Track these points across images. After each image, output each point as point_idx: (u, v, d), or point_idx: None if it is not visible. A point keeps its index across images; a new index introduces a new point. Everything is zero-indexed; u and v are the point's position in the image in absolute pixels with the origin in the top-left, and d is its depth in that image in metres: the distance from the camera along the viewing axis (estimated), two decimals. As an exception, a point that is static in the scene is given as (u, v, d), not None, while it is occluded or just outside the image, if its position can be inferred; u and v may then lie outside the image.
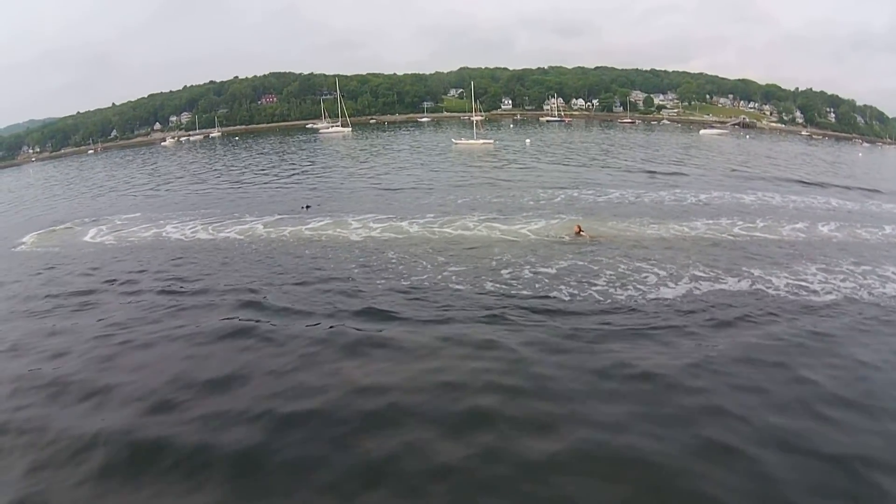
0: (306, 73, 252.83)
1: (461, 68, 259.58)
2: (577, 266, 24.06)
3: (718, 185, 51.44)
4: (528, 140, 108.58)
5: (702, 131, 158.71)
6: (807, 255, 27.04)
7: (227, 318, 18.80)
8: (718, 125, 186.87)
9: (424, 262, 25.09)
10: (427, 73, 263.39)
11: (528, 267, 23.90)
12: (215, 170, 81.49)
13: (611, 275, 22.67)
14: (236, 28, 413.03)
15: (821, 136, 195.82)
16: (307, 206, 42.20)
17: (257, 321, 18.32)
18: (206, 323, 18.50)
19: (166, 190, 61.46)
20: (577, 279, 22.17)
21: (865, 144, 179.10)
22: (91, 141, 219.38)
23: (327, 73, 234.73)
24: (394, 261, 25.67)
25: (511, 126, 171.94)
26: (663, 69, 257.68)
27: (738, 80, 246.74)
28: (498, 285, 21.53)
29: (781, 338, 16.54)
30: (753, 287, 21.52)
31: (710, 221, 34.68)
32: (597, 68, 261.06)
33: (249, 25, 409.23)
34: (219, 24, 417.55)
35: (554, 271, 23.31)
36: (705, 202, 42.24)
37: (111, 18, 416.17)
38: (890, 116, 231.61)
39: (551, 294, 20.42)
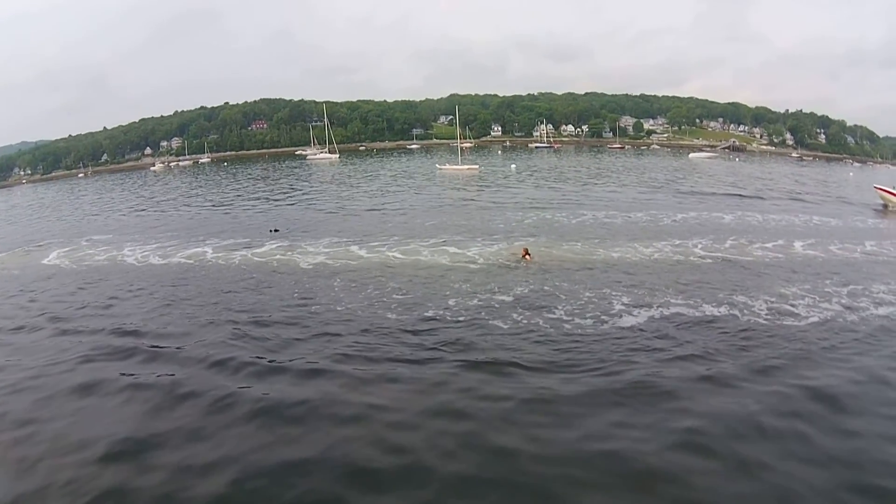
0: (297, 99, 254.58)
1: (451, 95, 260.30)
2: (516, 293, 22.98)
3: (696, 206, 51.28)
4: (513, 165, 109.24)
5: (691, 155, 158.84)
6: (783, 274, 26.51)
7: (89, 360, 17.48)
8: (708, 149, 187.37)
9: (367, 290, 24.21)
10: (417, 100, 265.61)
11: (456, 298, 22.43)
12: (197, 195, 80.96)
13: (550, 303, 21.51)
14: (230, 52, 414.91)
15: (811, 158, 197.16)
16: (275, 230, 41.83)
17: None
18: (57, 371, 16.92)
19: (144, 213, 61.31)
20: (512, 307, 21.14)
21: (856, 164, 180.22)
22: (82, 164, 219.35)
23: (318, 100, 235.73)
24: (336, 288, 24.76)
25: (499, 152, 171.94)
26: (653, 94, 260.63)
27: (728, 103, 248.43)
28: (432, 318, 20.14)
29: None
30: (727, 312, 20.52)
31: (678, 242, 33.98)
32: (587, 94, 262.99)
33: (244, 49, 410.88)
34: (213, 48, 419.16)
35: (476, 302, 21.97)
36: (681, 222, 42.01)
37: (106, 42, 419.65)
38: (881, 136, 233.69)
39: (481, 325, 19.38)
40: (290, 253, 33.07)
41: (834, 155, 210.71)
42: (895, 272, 27.49)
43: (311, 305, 22.16)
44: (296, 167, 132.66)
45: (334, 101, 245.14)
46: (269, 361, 16.50)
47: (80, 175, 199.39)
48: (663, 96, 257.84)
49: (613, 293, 22.67)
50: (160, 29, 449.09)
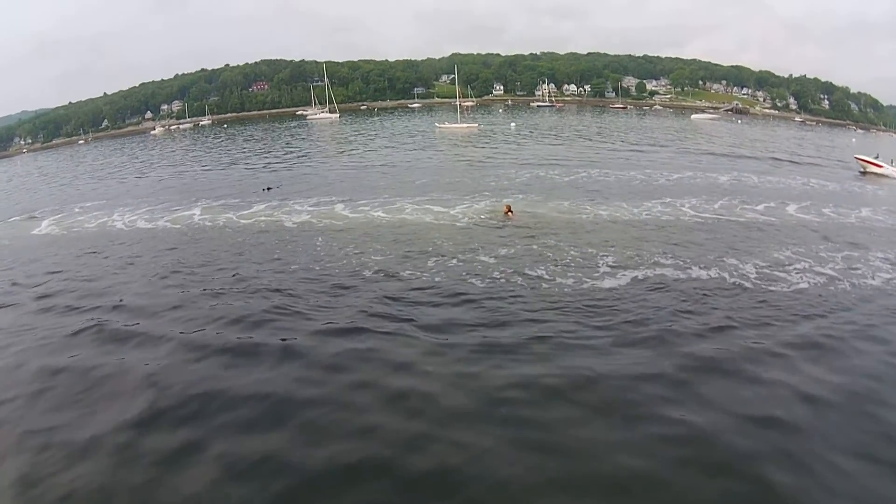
0: (298, 59, 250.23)
1: (453, 54, 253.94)
2: (499, 253, 22.67)
3: (693, 166, 51.05)
4: (513, 124, 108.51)
5: (693, 116, 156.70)
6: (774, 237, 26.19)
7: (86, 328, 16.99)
8: (711, 110, 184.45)
9: (348, 249, 24.02)
10: (419, 59, 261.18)
11: (436, 258, 22.11)
12: (194, 156, 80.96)
13: (532, 263, 21.14)
14: (229, 17, 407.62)
15: (814, 123, 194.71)
16: (268, 188, 42.54)
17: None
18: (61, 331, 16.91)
19: (139, 178, 61.21)
20: (493, 267, 20.77)
21: (859, 131, 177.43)
22: (82, 131, 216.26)
23: (319, 60, 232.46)
24: (317, 248, 24.66)
25: (500, 111, 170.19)
26: (656, 55, 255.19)
27: (732, 66, 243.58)
28: (408, 279, 19.77)
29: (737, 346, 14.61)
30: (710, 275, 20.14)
31: (669, 201, 33.76)
32: (589, 54, 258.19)
33: (242, 12, 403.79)
34: (211, 13, 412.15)
35: (455, 262, 21.61)
36: (675, 182, 41.71)
37: (105, 7, 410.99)
38: (885, 104, 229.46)
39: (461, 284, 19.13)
40: (276, 213, 33.03)
41: (837, 121, 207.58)
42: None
43: (291, 265, 21.98)
44: (295, 127, 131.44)
45: (336, 61, 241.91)
46: (238, 337, 15.49)
47: (81, 142, 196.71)
48: (666, 57, 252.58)
49: (600, 253, 22.38)
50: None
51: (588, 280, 19.15)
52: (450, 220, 29.20)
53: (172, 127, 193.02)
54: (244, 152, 79.91)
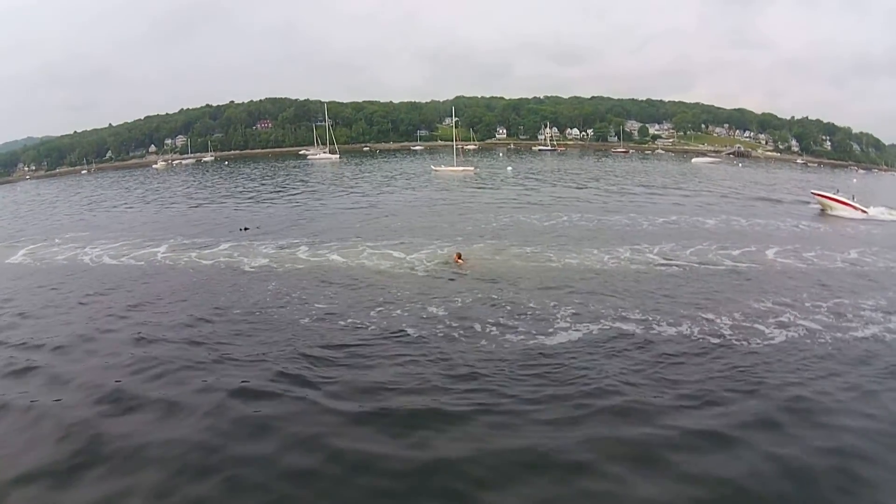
0: (302, 98, 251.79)
1: (457, 97, 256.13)
2: (446, 304, 21.46)
3: (681, 210, 50.14)
4: (510, 168, 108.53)
5: (694, 160, 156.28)
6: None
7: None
8: (713, 154, 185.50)
9: (294, 295, 23.43)
10: (423, 101, 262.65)
11: (381, 308, 21.08)
12: (187, 192, 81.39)
13: (479, 316, 19.86)
14: (235, 46, 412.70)
15: (816, 164, 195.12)
16: (245, 228, 42.21)
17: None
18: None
19: (128, 211, 62.01)
20: (434, 319, 19.67)
21: (861, 171, 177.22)
22: (86, 161, 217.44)
23: (323, 100, 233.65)
24: (267, 292, 24.13)
25: (500, 155, 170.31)
26: (660, 99, 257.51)
27: (734, 109, 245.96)
28: (346, 329, 18.87)
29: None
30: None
31: (646, 247, 32.71)
32: (593, 98, 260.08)
33: (249, 45, 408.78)
34: (217, 43, 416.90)
35: (400, 312, 20.55)
36: (660, 226, 41.09)
37: (111, 36, 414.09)
38: (886, 143, 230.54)
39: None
40: (238, 254, 32.66)
41: (839, 162, 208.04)
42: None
43: (233, 309, 21.49)
44: (295, 167, 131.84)
45: (340, 101, 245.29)
46: (142, 388, 14.93)
47: (84, 172, 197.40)
48: (669, 101, 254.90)
49: (557, 305, 21.16)
50: (161, 22, 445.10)
51: (539, 336, 17.80)
52: (406, 267, 28.32)
53: (175, 162, 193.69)
54: (237, 190, 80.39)
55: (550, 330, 18.39)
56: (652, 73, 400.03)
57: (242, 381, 14.92)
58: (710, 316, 20.06)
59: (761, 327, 18.91)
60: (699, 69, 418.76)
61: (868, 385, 14.82)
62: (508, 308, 20.73)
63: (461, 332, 18.34)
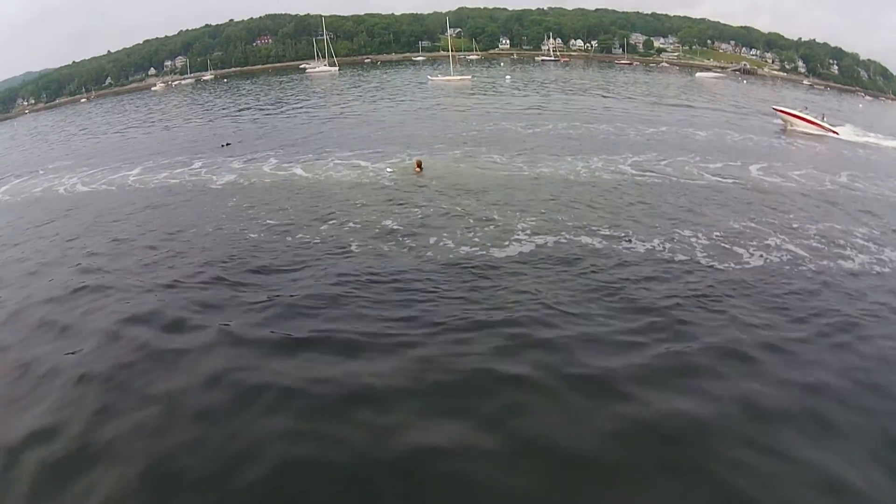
0: (302, 14, 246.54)
1: (459, 8, 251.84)
2: (407, 214, 20.95)
3: (672, 121, 49.21)
4: (508, 77, 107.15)
5: (698, 74, 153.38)
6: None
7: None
8: (718, 69, 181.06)
9: (252, 211, 22.92)
10: (425, 13, 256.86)
11: (332, 222, 20.41)
12: (180, 112, 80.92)
13: (438, 227, 19.33)
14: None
15: (823, 87, 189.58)
16: (227, 144, 42.24)
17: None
18: None
19: (117, 135, 61.42)
20: (385, 232, 19.05)
21: (868, 98, 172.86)
22: (85, 89, 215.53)
23: (324, 14, 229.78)
24: (226, 208, 23.70)
25: (501, 65, 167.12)
26: (665, 13, 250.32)
27: (741, 27, 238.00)
28: (288, 247, 18.18)
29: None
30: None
31: (625, 157, 31.84)
32: (597, 10, 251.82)
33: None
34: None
35: (352, 224, 20.00)
36: (648, 136, 40.18)
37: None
38: (894, 73, 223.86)
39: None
40: (206, 173, 32.28)
41: (846, 87, 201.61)
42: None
43: (186, 231, 20.79)
44: (293, 80, 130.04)
45: (341, 15, 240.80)
46: (79, 297, 15.05)
47: (83, 100, 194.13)
48: (675, 16, 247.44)
49: (519, 215, 20.56)
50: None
51: (493, 250, 17.02)
52: (371, 178, 27.77)
53: (174, 83, 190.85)
54: (231, 106, 79.30)
55: (506, 243, 17.54)
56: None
57: (158, 308, 14.10)
58: (686, 233, 18.98)
59: (740, 250, 17.77)
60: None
61: (848, 328, 13.22)
62: (469, 220, 19.95)
63: (410, 246, 17.59)
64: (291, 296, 14.25)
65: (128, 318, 13.52)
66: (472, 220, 19.90)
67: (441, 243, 17.66)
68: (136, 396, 10.49)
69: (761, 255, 17.33)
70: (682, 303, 13.73)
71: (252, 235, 19.32)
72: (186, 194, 27.38)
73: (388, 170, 28.92)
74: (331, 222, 20.40)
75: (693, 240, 18.32)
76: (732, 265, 16.38)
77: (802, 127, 50.86)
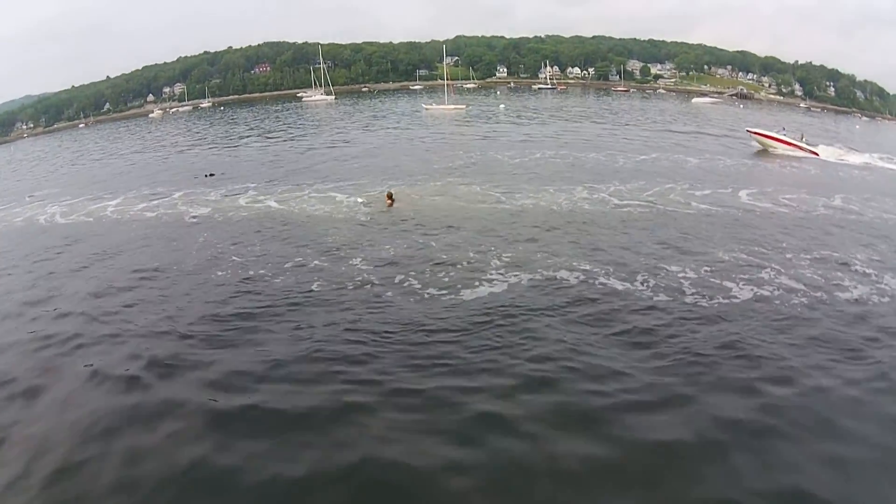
0: (300, 42, 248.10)
1: (457, 37, 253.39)
2: (376, 251, 20.29)
3: (665, 148, 48.76)
4: (502, 105, 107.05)
5: (694, 100, 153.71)
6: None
7: None
8: (714, 95, 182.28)
9: (222, 245, 22.50)
10: (423, 41, 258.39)
11: (299, 259, 19.84)
12: (173, 142, 78.74)
13: (407, 264, 18.70)
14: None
15: (819, 109, 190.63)
16: (211, 174, 41.83)
17: None
18: None
19: (107, 163, 61.25)
20: (354, 271, 18.29)
21: (864, 118, 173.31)
22: (83, 115, 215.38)
23: (322, 42, 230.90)
24: (197, 245, 23.10)
25: (497, 93, 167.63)
26: (662, 39, 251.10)
27: (737, 51, 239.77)
28: (255, 285, 17.66)
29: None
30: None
31: (612, 187, 31.25)
32: (594, 37, 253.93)
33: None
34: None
35: (318, 263, 19.30)
36: (638, 164, 39.88)
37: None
38: (891, 93, 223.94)
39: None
40: (183, 205, 31.88)
41: (842, 108, 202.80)
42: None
43: (151, 270, 20.15)
44: (288, 109, 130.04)
45: (339, 43, 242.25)
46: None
47: (81, 126, 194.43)
48: (671, 42, 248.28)
49: (492, 251, 19.76)
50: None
51: (464, 291, 16.21)
52: (344, 212, 27.22)
53: (172, 110, 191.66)
54: (222, 135, 79.22)
55: (476, 284, 16.72)
56: (655, 16, 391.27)
57: (99, 365, 13.20)
58: (674, 268, 18.09)
59: (729, 284, 16.90)
60: (703, 12, 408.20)
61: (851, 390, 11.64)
62: (441, 257, 19.27)
63: (377, 288, 16.80)
64: (234, 356, 13.30)
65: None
66: (444, 258, 19.21)
67: (407, 283, 16.97)
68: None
69: (752, 290, 16.53)
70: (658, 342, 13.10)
71: (217, 274, 18.85)
72: (160, 229, 26.98)
73: (361, 201, 28.59)
74: (296, 259, 19.81)
75: (680, 276, 17.50)
76: (721, 300, 15.66)
77: (780, 149, 50.15)
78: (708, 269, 18.16)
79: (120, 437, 10.46)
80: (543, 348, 12.79)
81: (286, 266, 19.15)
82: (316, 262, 19.44)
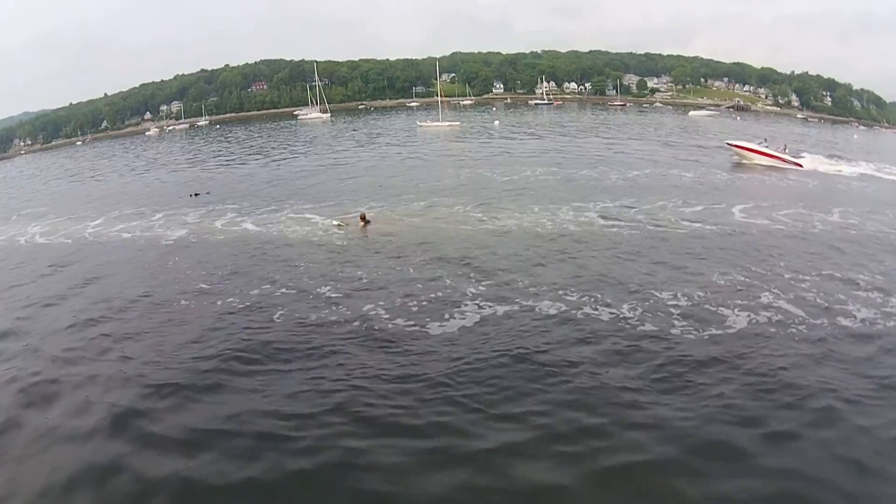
0: (297, 59, 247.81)
1: (454, 53, 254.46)
2: (345, 276, 19.88)
3: (659, 164, 47.83)
4: (496, 122, 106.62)
5: (691, 113, 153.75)
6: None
7: None
8: (711, 107, 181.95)
9: (194, 271, 22.09)
10: (420, 58, 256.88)
11: (268, 285, 19.33)
12: (165, 162, 77.74)
13: (376, 294, 17.96)
14: (229, 11, 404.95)
15: (816, 119, 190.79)
16: (195, 194, 41.49)
17: None
18: None
19: (99, 182, 61.08)
20: (322, 300, 17.72)
21: (862, 128, 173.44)
22: (80, 132, 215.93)
23: (319, 60, 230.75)
24: (167, 270, 22.87)
25: (494, 109, 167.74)
26: (658, 53, 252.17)
27: (734, 63, 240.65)
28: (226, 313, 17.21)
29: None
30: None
31: (600, 205, 30.54)
32: (590, 52, 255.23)
33: (243, 6, 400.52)
34: (212, 6, 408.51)
35: (285, 290, 18.77)
36: (630, 180, 39.13)
37: (107, 10, 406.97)
38: (888, 101, 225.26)
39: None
40: (160, 227, 31.41)
41: (840, 118, 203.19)
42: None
43: (118, 299, 19.57)
44: (284, 128, 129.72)
45: (336, 60, 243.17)
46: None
47: (79, 143, 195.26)
48: (668, 55, 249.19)
49: (470, 278, 18.95)
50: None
51: (432, 324, 15.42)
52: (319, 235, 26.69)
53: (169, 128, 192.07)
54: (216, 154, 78.91)
55: (446, 316, 15.93)
56: (652, 29, 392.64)
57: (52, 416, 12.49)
58: (664, 295, 17.15)
59: (725, 311, 16.01)
60: (700, 23, 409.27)
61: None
62: (414, 286, 18.52)
63: (342, 319, 16.03)
64: (188, 379, 13.13)
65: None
66: (418, 286, 18.45)
67: (374, 313, 16.29)
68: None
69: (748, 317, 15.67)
70: (645, 388, 12.14)
71: (182, 303, 18.49)
72: (134, 252, 26.67)
73: (336, 223, 27.96)
74: (264, 287, 19.26)
75: (671, 303, 16.58)
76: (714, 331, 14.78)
77: (760, 160, 49.52)
78: (701, 294, 17.28)
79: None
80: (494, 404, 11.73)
81: (252, 293, 18.67)
82: (284, 289, 18.92)
